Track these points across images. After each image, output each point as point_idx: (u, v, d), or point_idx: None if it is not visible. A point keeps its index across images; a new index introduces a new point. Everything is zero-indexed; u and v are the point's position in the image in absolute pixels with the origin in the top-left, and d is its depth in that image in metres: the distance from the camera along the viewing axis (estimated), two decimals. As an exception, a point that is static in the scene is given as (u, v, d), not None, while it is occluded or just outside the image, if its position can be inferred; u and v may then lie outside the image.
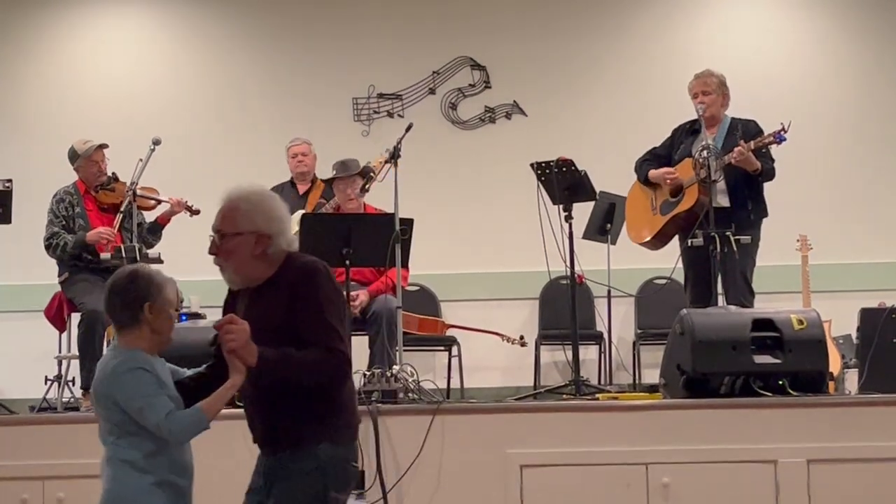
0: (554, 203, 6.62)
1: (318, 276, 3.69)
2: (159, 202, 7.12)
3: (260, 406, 3.74)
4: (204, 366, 3.83)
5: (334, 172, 7.38)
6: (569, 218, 6.58)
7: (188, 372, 3.82)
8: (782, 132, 6.40)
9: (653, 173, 6.90)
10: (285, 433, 3.68)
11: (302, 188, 8.04)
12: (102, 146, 7.14)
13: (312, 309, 3.63)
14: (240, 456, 4.81)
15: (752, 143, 6.51)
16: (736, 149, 6.49)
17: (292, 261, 3.75)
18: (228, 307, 3.82)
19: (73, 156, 7.14)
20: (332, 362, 3.64)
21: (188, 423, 3.57)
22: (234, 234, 3.72)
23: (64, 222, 7.00)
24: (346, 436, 3.74)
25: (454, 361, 8.44)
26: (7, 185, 6.43)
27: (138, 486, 3.57)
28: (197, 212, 7.14)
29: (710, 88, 6.84)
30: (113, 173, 7.12)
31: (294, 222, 7.46)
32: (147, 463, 3.58)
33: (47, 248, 6.97)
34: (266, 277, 3.72)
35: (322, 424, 3.67)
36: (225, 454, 4.74)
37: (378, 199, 7.35)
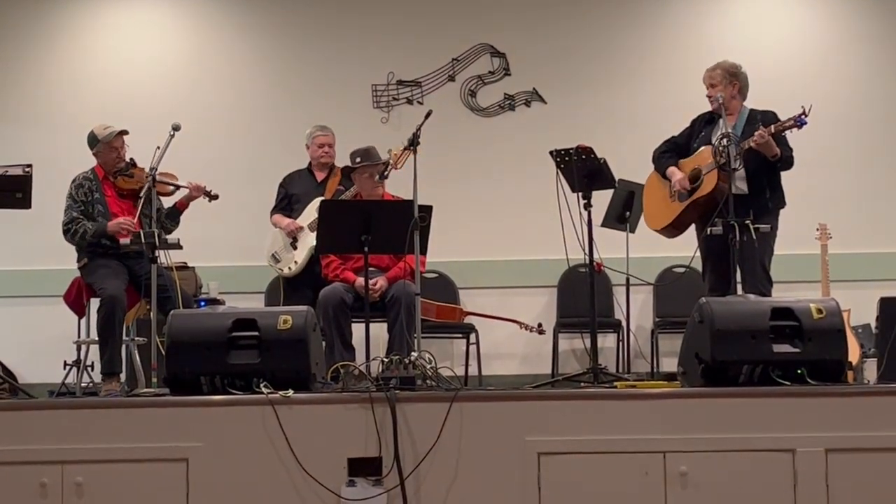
0: (573, 191, 6.60)
1: None
2: (178, 188, 7.10)
3: None
4: None
5: (357, 160, 7.36)
6: (588, 206, 6.56)
7: None
8: (803, 116, 6.40)
9: (670, 172, 6.91)
10: None
11: (320, 175, 8.04)
12: (123, 132, 7.14)
13: None
14: (252, 441, 4.85)
15: (772, 128, 6.52)
16: (757, 133, 6.50)
17: None
18: None
19: (93, 141, 7.14)
20: None
21: None
22: None
23: (83, 207, 7.00)
24: None
25: (472, 349, 8.45)
26: (27, 170, 6.41)
27: None
28: (216, 197, 7.13)
29: (716, 80, 6.89)
30: (131, 159, 7.12)
31: (313, 209, 7.49)
32: None
33: (65, 232, 6.98)
34: None
35: None
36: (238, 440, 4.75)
37: (397, 185, 7.35)
